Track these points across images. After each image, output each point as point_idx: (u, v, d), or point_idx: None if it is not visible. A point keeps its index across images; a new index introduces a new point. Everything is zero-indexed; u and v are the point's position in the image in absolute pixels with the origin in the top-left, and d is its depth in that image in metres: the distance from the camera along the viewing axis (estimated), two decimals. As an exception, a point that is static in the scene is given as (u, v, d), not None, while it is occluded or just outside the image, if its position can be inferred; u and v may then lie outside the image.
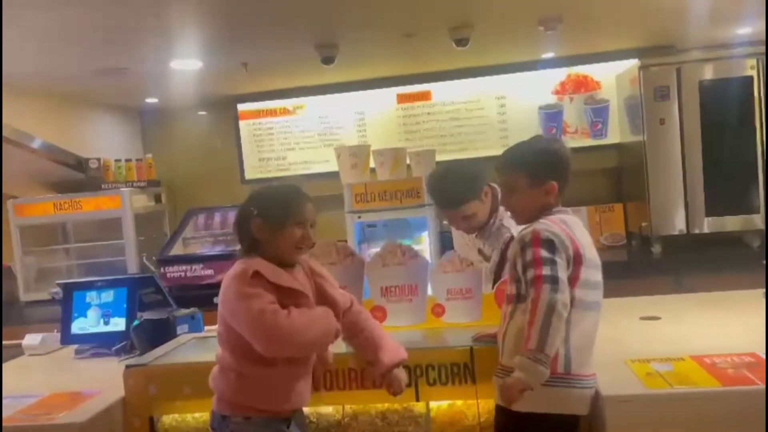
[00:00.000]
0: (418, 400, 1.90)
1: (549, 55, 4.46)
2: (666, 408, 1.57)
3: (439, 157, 4.37)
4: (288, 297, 1.56)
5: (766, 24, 3.39)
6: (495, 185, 2.35)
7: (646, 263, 3.93)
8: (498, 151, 5.33)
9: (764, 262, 3.05)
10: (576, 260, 1.58)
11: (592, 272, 1.62)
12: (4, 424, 1.85)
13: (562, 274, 1.53)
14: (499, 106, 4.73)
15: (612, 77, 4.53)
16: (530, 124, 4.68)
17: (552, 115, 4.67)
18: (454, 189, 2.32)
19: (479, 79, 4.71)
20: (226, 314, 1.58)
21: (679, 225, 3.87)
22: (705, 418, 1.54)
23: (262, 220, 1.55)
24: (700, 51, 4.15)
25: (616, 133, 4.59)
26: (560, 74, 4.65)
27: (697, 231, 3.85)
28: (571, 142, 4.66)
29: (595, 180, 4.66)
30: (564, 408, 1.59)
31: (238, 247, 1.67)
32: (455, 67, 4.61)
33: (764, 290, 2.26)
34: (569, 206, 5.09)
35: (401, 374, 1.74)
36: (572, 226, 1.66)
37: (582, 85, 4.64)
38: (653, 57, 4.05)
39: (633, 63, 4.14)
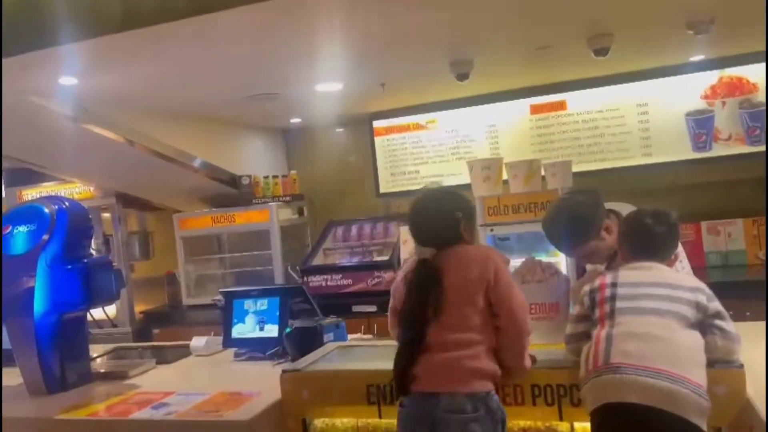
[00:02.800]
0: (561, 419, 1.89)
1: (698, 57, 4.19)
2: None
3: (575, 168, 4.24)
4: None
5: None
6: (618, 212, 2.22)
7: (815, 282, 3.54)
8: (639, 162, 5.07)
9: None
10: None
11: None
12: (179, 418, 2.09)
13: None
14: (640, 113, 4.50)
15: (771, 78, 4.16)
16: (676, 132, 4.40)
17: (701, 122, 4.36)
18: (567, 233, 2.18)
19: (618, 86, 4.50)
20: (502, 292, 1.80)
21: None
22: None
23: (465, 221, 1.91)
24: None
25: (776, 138, 4.20)
26: (710, 77, 4.33)
27: None
28: (725, 149, 4.33)
29: (752, 190, 4.26)
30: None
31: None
32: (592, 75, 4.45)
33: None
34: (721, 219, 4.72)
35: None
36: None
37: (736, 87, 4.28)
38: (821, 54, 3.67)
39: (797, 61, 3.78)
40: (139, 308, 4.94)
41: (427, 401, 1.76)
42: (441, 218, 1.91)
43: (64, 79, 3.16)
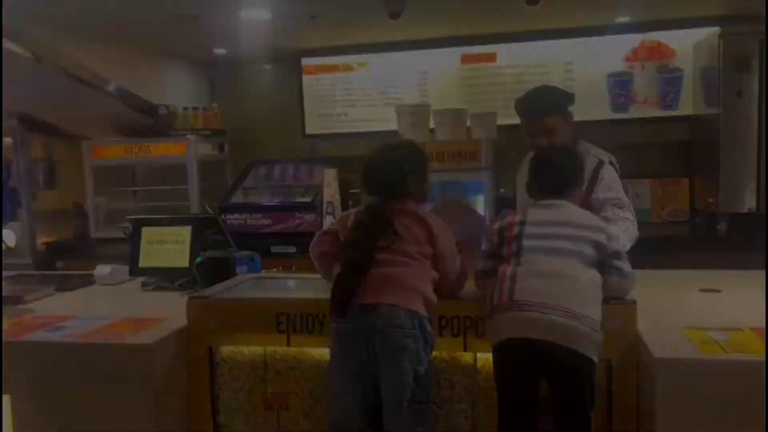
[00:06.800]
0: (465, 350, 1.94)
1: (623, 19, 4.28)
2: (719, 375, 1.56)
3: (501, 121, 4.30)
4: None
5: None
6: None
7: (710, 241, 3.80)
8: (561, 117, 5.07)
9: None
10: None
11: None
12: (78, 340, 2.00)
13: None
14: (565, 71, 4.59)
15: (689, 46, 4.32)
16: (598, 91, 4.52)
17: (621, 83, 4.50)
18: (543, 96, 2.47)
19: (547, 42, 4.56)
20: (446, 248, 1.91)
21: (748, 203, 3.71)
22: (759, 387, 1.52)
23: (415, 176, 1.93)
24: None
25: (688, 104, 4.40)
26: (633, 41, 4.45)
27: (768, 211, 3.69)
28: (640, 112, 4.51)
29: (662, 153, 4.49)
30: None
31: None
32: (523, 29, 4.48)
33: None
34: (631, 179, 4.90)
35: None
36: None
37: (656, 52, 4.43)
38: (735, 26, 3.83)
39: (712, 31, 3.93)
40: (41, 240, 4.66)
41: (366, 314, 1.76)
42: (390, 169, 1.94)
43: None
